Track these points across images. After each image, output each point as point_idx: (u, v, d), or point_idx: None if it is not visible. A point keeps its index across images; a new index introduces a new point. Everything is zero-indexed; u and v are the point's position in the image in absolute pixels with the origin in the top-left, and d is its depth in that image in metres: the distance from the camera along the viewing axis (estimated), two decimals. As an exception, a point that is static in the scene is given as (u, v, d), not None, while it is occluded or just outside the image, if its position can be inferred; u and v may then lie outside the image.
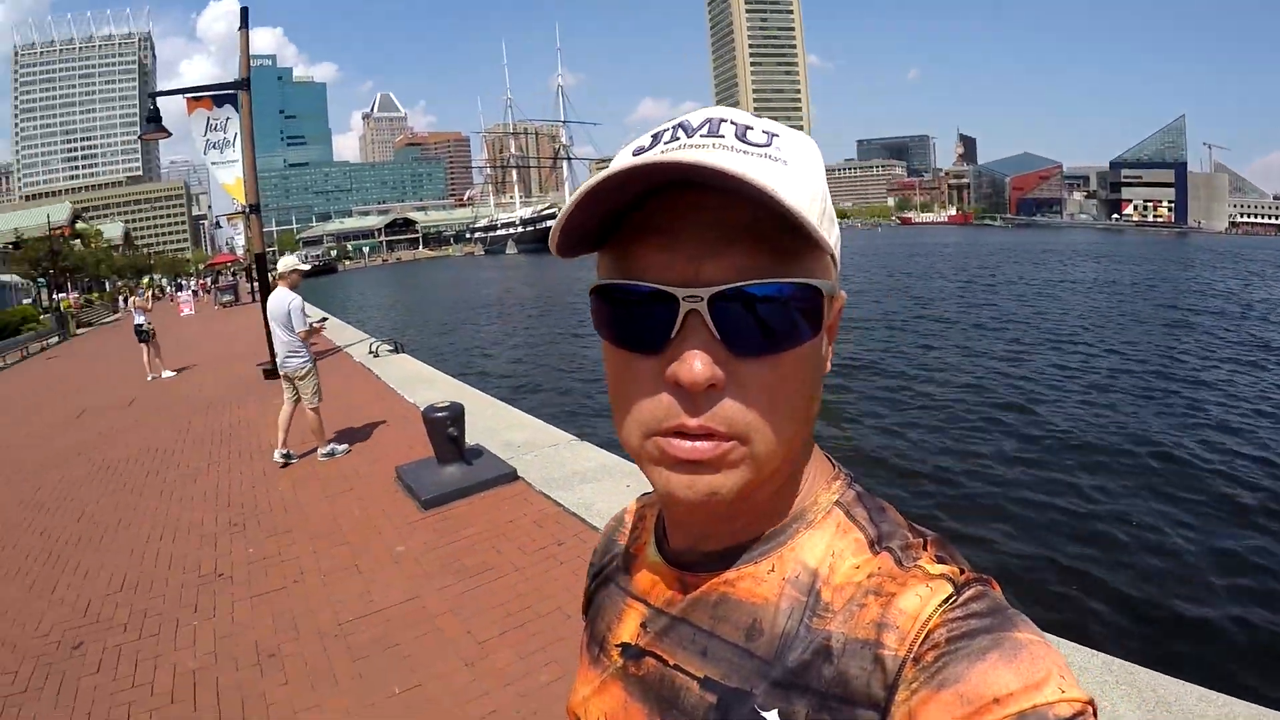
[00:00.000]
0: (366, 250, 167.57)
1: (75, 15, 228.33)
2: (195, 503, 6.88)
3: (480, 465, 6.61)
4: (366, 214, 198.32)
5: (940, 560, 0.62)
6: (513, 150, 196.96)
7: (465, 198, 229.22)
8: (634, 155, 0.62)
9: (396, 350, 14.61)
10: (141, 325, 15.21)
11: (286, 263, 7.96)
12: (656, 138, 0.63)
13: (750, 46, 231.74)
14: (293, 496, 6.71)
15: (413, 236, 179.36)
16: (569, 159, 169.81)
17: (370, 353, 14.38)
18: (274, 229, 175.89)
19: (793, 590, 0.64)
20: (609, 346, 0.63)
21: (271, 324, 7.69)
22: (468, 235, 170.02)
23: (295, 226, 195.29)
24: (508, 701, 3.48)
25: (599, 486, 6.15)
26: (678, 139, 0.61)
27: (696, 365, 0.56)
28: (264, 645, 4.20)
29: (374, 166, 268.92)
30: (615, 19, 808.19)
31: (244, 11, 13.07)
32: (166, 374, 15.12)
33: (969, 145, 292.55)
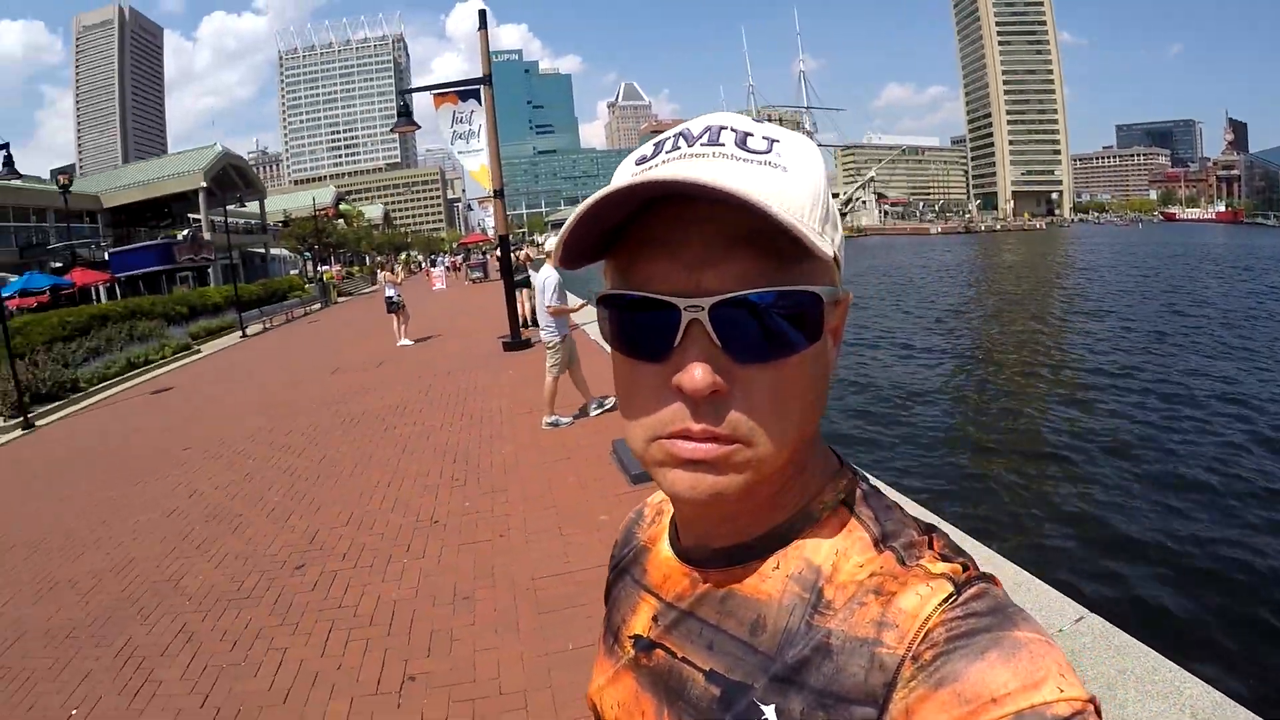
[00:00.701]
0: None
1: (333, 21, 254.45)
2: (424, 456, 7.42)
3: None
4: None
5: (943, 559, 0.61)
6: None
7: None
8: (637, 165, 0.64)
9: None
10: (392, 297, 16.48)
11: (551, 240, 8.42)
12: (659, 147, 0.64)
13: (997, 25, 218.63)
14: (513, 459, 7.06)
15: None
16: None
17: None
18: (524, 212, 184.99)
19: (796, 587, 0.64)
20: (616, 354, 0.64)
21: (537, 297, 8.22)
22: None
23: (544, 210, 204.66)
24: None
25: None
26: (678, 148, 0.62)
27: (698, 374, 0.56)
28: (461, 588, 4.50)
29: (620, 152, 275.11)
30: (856, 2, 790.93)
31: (482, 14, 13.95)
32: (404, 342, 16.21)
33: (1240, 131, 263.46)
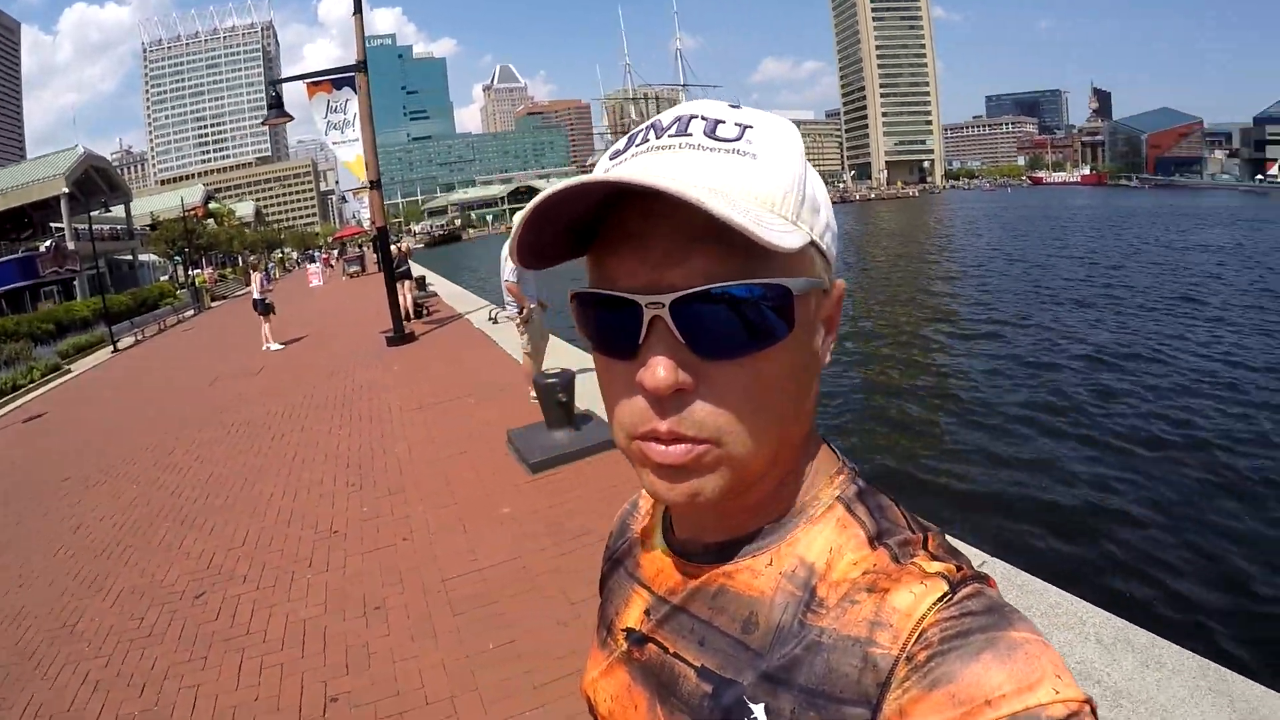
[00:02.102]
0: (490, 219, 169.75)
1: (199, 9, 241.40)
2: (316, 463, 7.23)
3: (588, 431, 6.69)
4: (489, 183, 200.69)
5: (938, 558, 0.61)
6: (633, 116, 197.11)
7: (587, 164, 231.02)
8: (610, 160, 0.64)
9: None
10: (260, 299, 15.91)
11: (519, 218, 8.43)
12: (631, 140, 0.64)
13: (872, 1, 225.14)
14: (408, 458, 6.96)
15: None
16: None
17: (490, 319, 14.68)
18: (399, 201, 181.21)
19: (789, 585, 0.63)
20: (593, 351, 0.64)
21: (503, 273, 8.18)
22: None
23: (420, 198, 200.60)
24: (595, 660, 3.57)
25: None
26: (647, 141, 0.62)
27: (660, 372, 0.56)
28: (371, 598, 4.41)
29: (496, 137, 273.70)
30: None
31: (357, -1, 13.47)
32: (273, 347, 15.69)
33: (1104, 100, 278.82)
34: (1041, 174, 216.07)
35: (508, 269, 7.89)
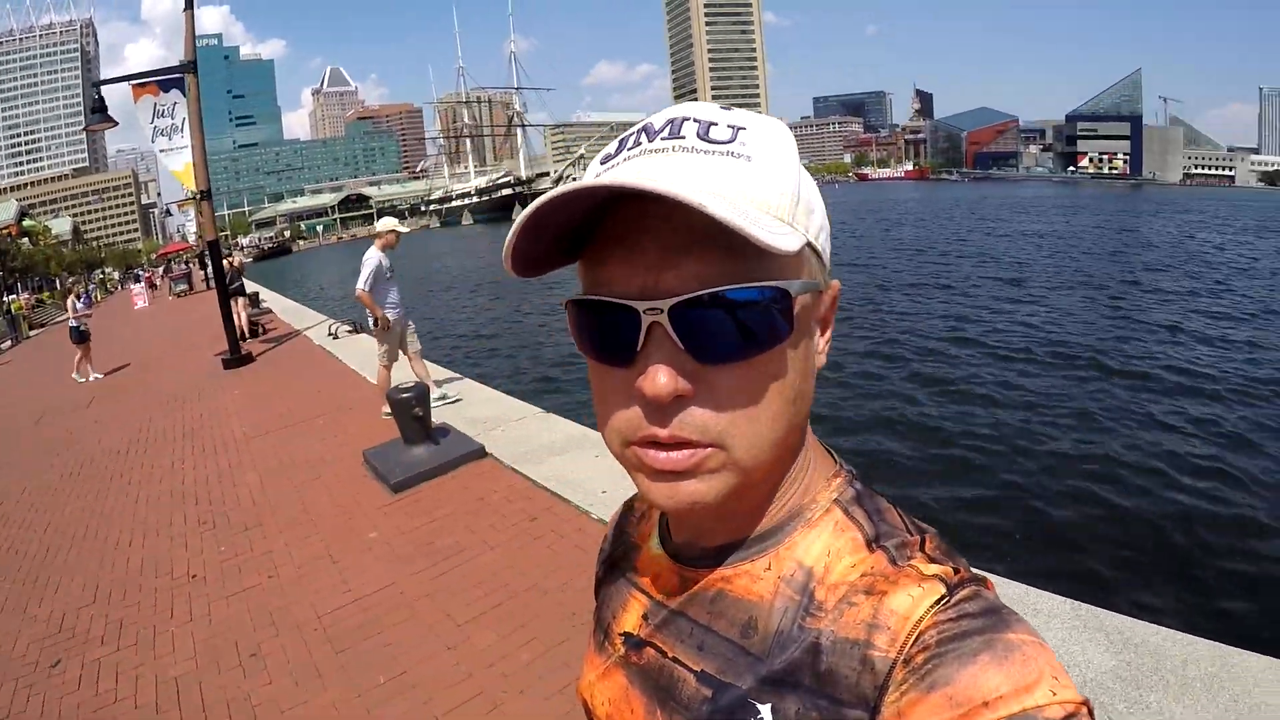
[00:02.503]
0: (320, 229, 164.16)
1: (14, 5, 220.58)
2: (163, 503, 6.78)
3: (448, 444, 6.59)
4: (319, 192, 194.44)
5: (935, 560, 0.61)
6: (466, 120, 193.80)
7: (419, 170, 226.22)
8: (601, 164, 0.63)
9: (356, 330, 14.28)
10: (77, 326, 14.68)
11: (385, 223, 8.15)
12: (622, 143, 0.63)
13: (706, 5, 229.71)
14: (260, 489, 6.64)
15: (367, 213, 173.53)
16: (523, 126, 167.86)
17: (330, 334, 14.21)
18: (225, 212, 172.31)
19: (788, 589, 0.64)
20: (587, 359, 0.63)
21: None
22: (422, 208, 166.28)
23: (247, 209, 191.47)
24: (491, 683, 3.50)
25: (569, 459, 6.19)
26: (639, 144, 0.61)
27: (660, 379, 0.55)
28: (245, 645, 4.16)
29: (325, 143, 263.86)
30: None
31: (188, -7, 12.44)
32: (95, 377, 14.57)
33: (926, 101, 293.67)
34: (867, 171, 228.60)
35: (362, 277, 7.63)
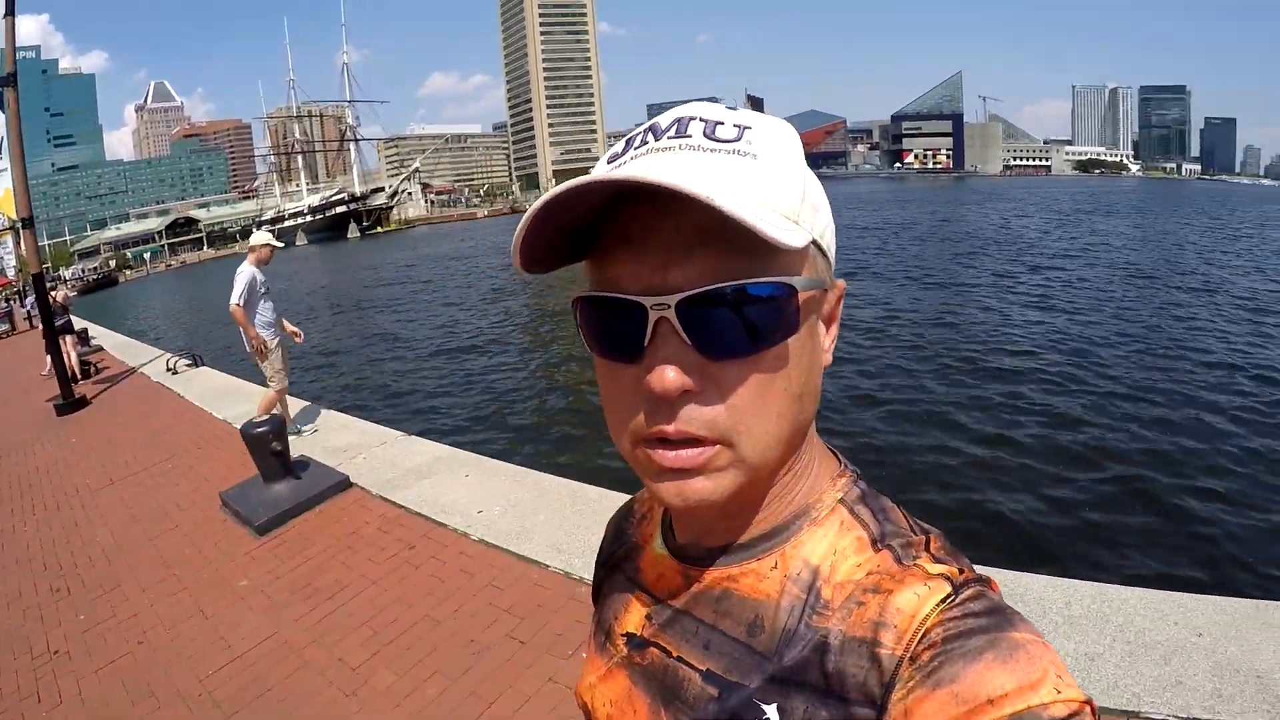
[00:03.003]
0: (148, 256, 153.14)
1: None
2: (9, 571, 6.09)
3: (310, 477, 6.33)
4: (145, 216, 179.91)
5: (940, 560, 0.62)
6: (298, 135, 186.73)
7: (249, 190, 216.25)
8: (608, 163, 0.64)
9: (196, 364, 13.55)
10: None
11: (258, 236, 7.66)
12: (629, 143, 0.64)
13: (541, 15, 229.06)
14: (114, 545, 6.11)
15: (196, 236, 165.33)
16: (356, 140, 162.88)
17: (168, 369, 13.35)
18: (46, 243, 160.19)
19: (794, 588, 0.64)
20: (595, 356, 0.64)
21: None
22: (254, 229, 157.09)
23: (69, 238, 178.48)
24: (402, 725, 3.37)
25: (438, 480, 6.13)
26: (646, 143, 0.62)
27: (667, 374, 0.56)
28: (124, 722, 3.81)
29: (150, 163, 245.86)
30: None
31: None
32: None
33: (757, 105, 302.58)
34: None
35: (236, 291, 7.22)
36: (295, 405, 8.89)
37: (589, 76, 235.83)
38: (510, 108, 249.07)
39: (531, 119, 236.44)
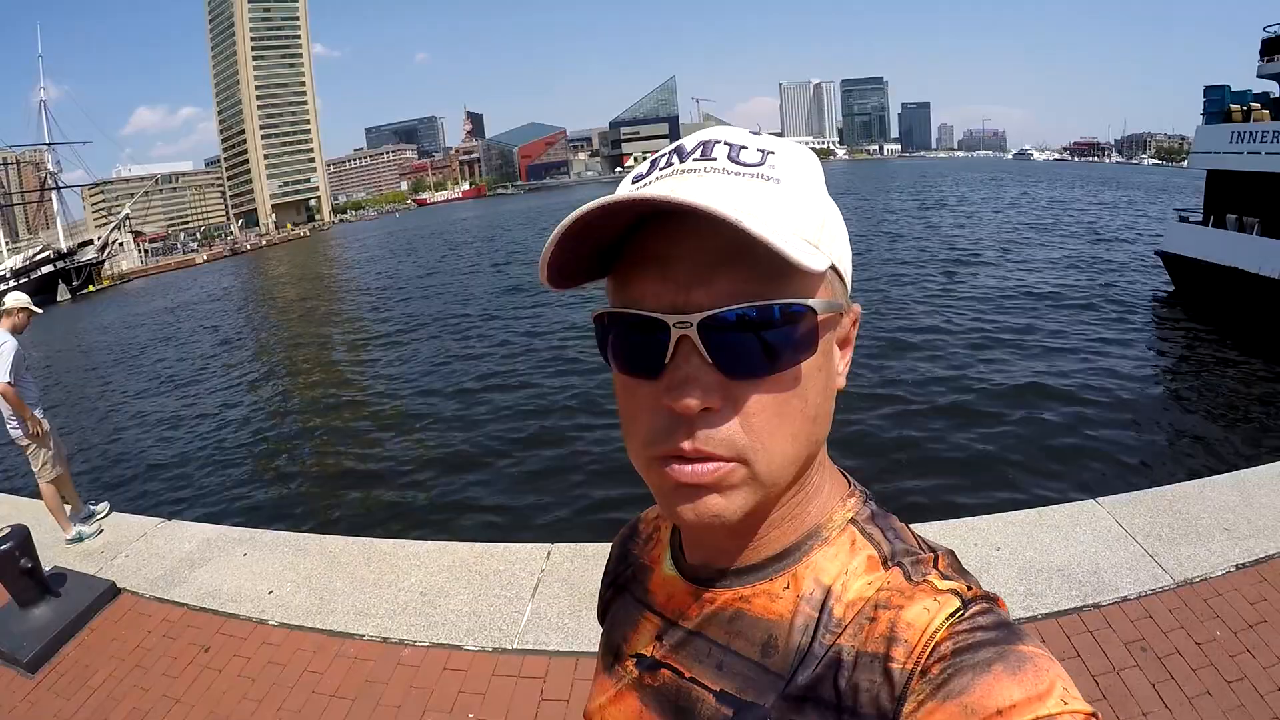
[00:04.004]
0: None
1: None
2: None
3: (71, 591, 5.42)
4: None
5: (948, 576, 0.64)
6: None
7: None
8: (633, 183, 0.65)
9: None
10: None
11: (13, 298, 6.28)
12: (654, 164, 0.65)
13: (252, 40, 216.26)
14: None
15: None
16: (59, 188, 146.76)
17: None
18: None
19: (807, 607, 0.66)
20: (615, 372, 0.65)
21: None
22: None
23: None
24: None
25: (214, 567, 5.57)
26: (671, 165, 0.63)
27: (687, 391, 0.57)
28: None
29: None
30: (105, 16, 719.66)
31: None
32: None
33: (477, 122, 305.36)
34: (425, 196, 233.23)
35: (2, 366, 5.98)
36: (10, 506, 7.64)
37: (304, 102, 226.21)
38: (223, 140, 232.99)
39: (245, 151, 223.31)
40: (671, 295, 0.58)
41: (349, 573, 5.18)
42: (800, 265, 0.53)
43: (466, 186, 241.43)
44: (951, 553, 0.68)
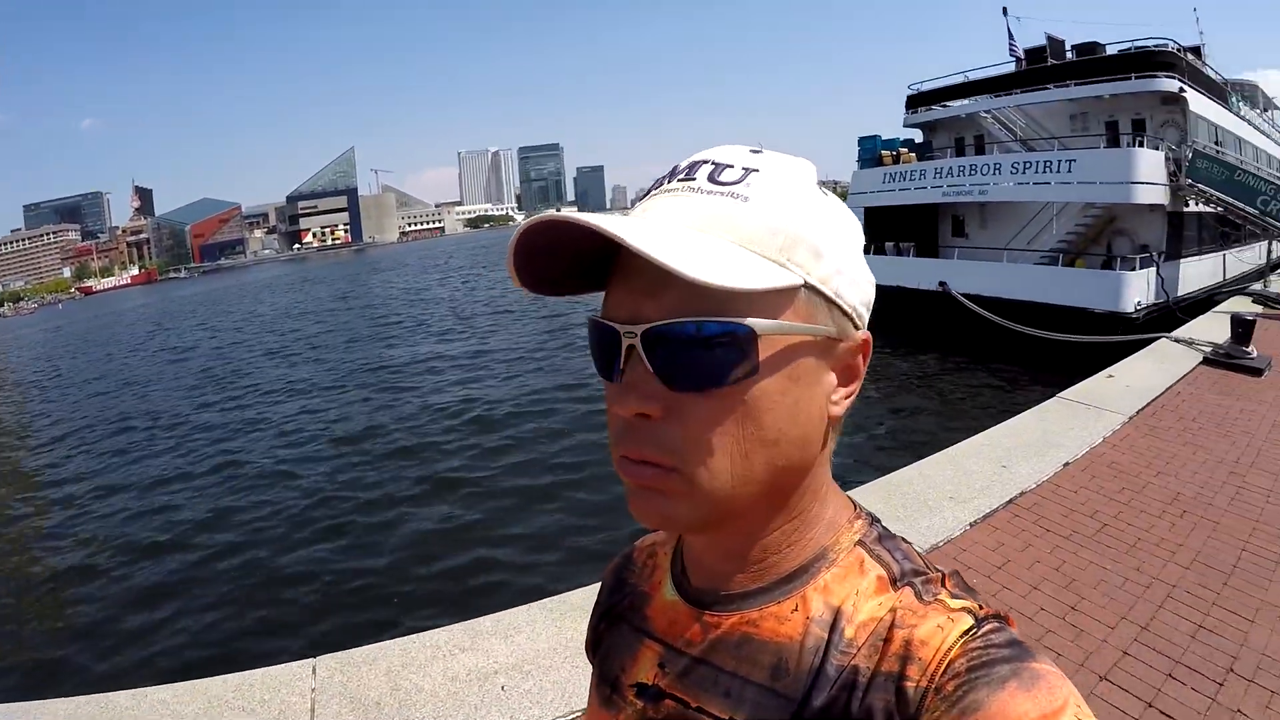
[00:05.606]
0: None
1: None
2: None
3: None
4: None
5: (958, 596, 0.62)
6: None
7: None
8: (641, 197, 0.66)
9: None
10: None
11: None
12: (657, 181, 0.66)
13: None
14: None
15: None
16: None
17: None
18: None
19: (817, 629, 0.63)
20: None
21: None
22: None
23: None
24: None
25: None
26: (662, 184, 0.64)
27: (629, 397, 0.59)
28: None
29: None
30: None
31: None
32: None
33: (146, 197, 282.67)
34: (91, 283, 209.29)
35: None
36: None
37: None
38: None
39: None
40: (629, 306, 0.59)
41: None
42: (705, 284, 0.52)
43: (135, 271, 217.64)
44: (957, 573, 0.66)
